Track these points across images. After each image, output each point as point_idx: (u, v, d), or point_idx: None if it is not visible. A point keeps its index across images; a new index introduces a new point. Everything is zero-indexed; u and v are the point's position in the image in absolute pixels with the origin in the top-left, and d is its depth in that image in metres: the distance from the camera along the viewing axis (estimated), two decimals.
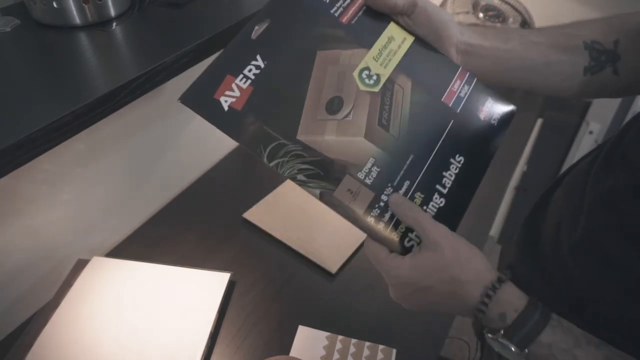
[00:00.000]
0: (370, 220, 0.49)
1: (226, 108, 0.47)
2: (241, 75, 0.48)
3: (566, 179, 0.60)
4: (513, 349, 0.42)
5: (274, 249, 0.96)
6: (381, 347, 0.77)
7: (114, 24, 0.63)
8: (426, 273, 0.46)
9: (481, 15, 1.50)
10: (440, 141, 0.53)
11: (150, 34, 0.63)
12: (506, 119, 0.57)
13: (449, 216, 0.52)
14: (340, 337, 0.79)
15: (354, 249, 0.94)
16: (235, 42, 0.49)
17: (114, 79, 0.52)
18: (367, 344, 0.78)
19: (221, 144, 1.20)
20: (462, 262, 0.46)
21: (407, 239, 0.49)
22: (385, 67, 0.53)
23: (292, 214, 1.02)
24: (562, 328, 0.42)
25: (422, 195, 0.51)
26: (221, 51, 0.48)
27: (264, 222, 1.00)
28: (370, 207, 0.49)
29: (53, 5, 0.59)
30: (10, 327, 0.81)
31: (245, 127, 0.47)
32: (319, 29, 0.52)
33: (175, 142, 1.07)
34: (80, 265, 0.86)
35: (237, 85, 0.47)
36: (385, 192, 0.49)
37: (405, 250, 0.49)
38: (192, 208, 1.06)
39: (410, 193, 0.50)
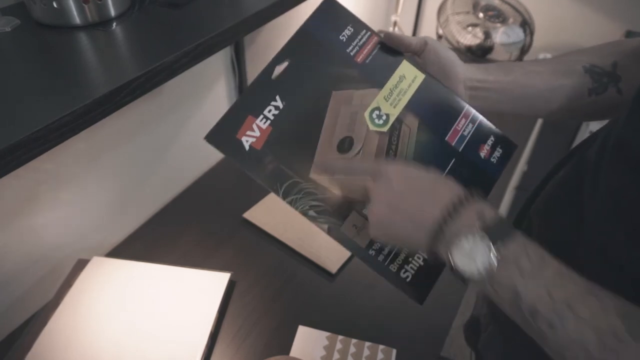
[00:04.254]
0: (372, 253, 0.53)
1: (247, 148, 0.50)
2: (261, 116, 0.51)
3: (545, 194, 0.60)
4: (488, 243, 0.40)
5: (274, 249, 0.96)
6: (381, 347, 0.77)
7: (114, 23, 0.63)
8: (401, 182, 0.47)
9: (481, 15, 1.50)
10: None
11: (150, 34, 0.63)
12: (506, 155, 0.60)
13: None
14: (340, 337, 0.79)
15: None
16: (257, 82, 0.52)
17: (114, 79, 0.52)
18: (367, 344, 0.78)
19: None
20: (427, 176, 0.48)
21: (403, 270, 0.53)
22: (394, 107, 0.56)
23: (292, 214, 1.01)
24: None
25: None
26: (244, 92, 0.52)
27: (264, 222, 1.00)
28: (372, 242, 0.53)
29: (53, 5, 0.59)
30: (10, 327, 0.82)
31: (264, 166, 0.51)
32: (334, 68, 0.55)
33: (175, 142, 1.07)
34: (80, 265, 0.86)
35: (258, 126, 0.51)
36: None
37: (402, 282, 0.53)
38: (192, 208, 1.06)
39: None
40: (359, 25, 0.57)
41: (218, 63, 1.10)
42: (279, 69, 0.53)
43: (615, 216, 0.44)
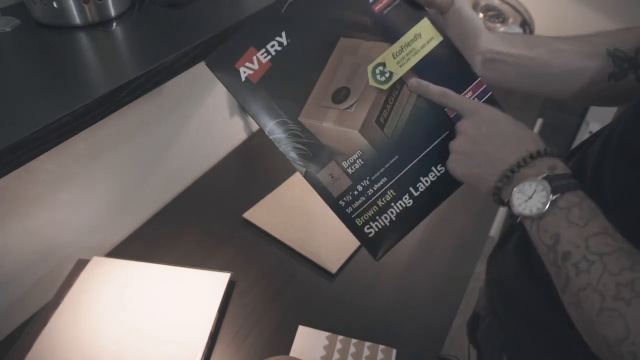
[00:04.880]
0: (341, 204, 0.54)
1: (243, 79, 0.51)
2: (263, 50, 0.51)
3: None
4: (547, 190, 0.43)
5: (274, 249, 0.96)
6: (381, 347, 0.77)
7: (114, 24, 0.63)
8: (491, 121, 0.50)
9: (481, 15, 1.50)
10: (429, 149, 0.55)
11: (151, 34, 0.63)
12: None
13: (410, 218, 0.56)
14: (340, 337, 0.79)
15: (354, 249, 0.94)
16: (266, 13, 0.52)
17: (114, 79, 0.52)
18: (367, 344, 0.78)
19: (221, 144, 1.20)
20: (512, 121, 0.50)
21: (367, 226, 0.55)
22: (401, 66, 0.54)
23: (292, 214, 1.02)
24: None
25: (394, 193, 0.55)
26: (252, 21, 0.52)
27: (264, 222, 1.00)
28: (344, 193, 0.54)
29: (53, 5, 0.59)
30: (10, 327, 0.82)
31: (256, 100, 0.51)
32: (349, 13, 0.53)
33: (175, 142, 1.07)
34: (80, 265, 0.86)
35: (258, 59, 0.51)
36: (361, 184, 0.54)
37: (363, 236, 0.55)
38: (192, 208, 1.06)
39: (384, 189, 0.54)
40: None
41: None
42: (291, 4, 0.51)
43: (617, 212, 0.44)
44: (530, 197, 0.44)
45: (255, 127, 1.28)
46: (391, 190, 0.55)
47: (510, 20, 1.48)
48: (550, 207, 0.43)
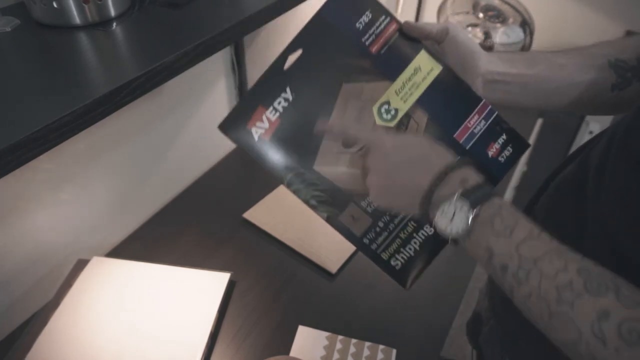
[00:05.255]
0: (365, 241, 0.55)
1: (256, 138, 0.52)
2: (271, 107, 0.52)
3: (550, 191, 0.59)
4: (466, 207, 0.44)
5: (274, 249, 0.96)
6: (381, 347, 0.77)
7: (114, 23, 0.63)
8: (402, 150, 0.50)
9: (481, 15, 1.50)
10: None
11: (151, 34, 0.63)
12: (515, 155, 0.58)
13: (433, 245, 0.57)
14: (340, 337, 0.79)
15: (354, 249, 0.94)
16: (269, 71, 0.53)
17: (114, 79, 0.52)
18: (367, 344, 0.78)
19: (221, 145, 1.20)
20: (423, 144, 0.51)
21: (393, 259, 0.56)
22: (405, 102, 0.55)
23: (292, 214, 1.02)
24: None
25: (414, 225, 0.56)
26: (257, 81, 0.52)
27: (264, 222, 1.00)
28: (366, 231, 0.55)
29: (53, 5, 0.59)
30: (10, 327, 0.82)
31: (271, 156, 0.53)
32: (347, 60, 0.54)
33: (175, 142, 1.07)
34: (80, 265, 0.86)
35: (267, 117, 0.52)
36: (381, 220, 0.55)
37: (390, 269, 0.56)
38: (192, 208, 1.06)
39: (404, 222, 0.56)
40: (378, 10, 0.54)
41: (218, 63, 1.10)
42: (291, 60, 0.52)
43: (617, 212, 0.44)
44: (452, 217, 0.45)
45: None
46: (411, 222, 0.56)
47: (510, 20, 1.48)
48: (473, 222, 0.44)
